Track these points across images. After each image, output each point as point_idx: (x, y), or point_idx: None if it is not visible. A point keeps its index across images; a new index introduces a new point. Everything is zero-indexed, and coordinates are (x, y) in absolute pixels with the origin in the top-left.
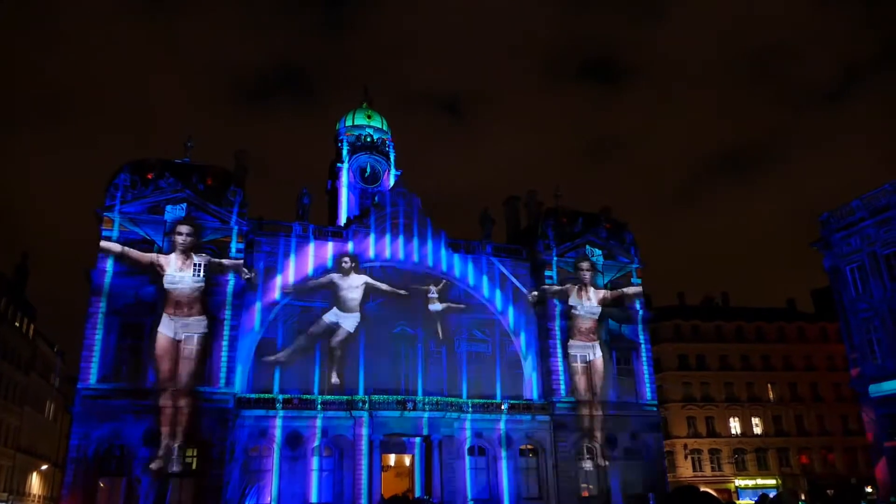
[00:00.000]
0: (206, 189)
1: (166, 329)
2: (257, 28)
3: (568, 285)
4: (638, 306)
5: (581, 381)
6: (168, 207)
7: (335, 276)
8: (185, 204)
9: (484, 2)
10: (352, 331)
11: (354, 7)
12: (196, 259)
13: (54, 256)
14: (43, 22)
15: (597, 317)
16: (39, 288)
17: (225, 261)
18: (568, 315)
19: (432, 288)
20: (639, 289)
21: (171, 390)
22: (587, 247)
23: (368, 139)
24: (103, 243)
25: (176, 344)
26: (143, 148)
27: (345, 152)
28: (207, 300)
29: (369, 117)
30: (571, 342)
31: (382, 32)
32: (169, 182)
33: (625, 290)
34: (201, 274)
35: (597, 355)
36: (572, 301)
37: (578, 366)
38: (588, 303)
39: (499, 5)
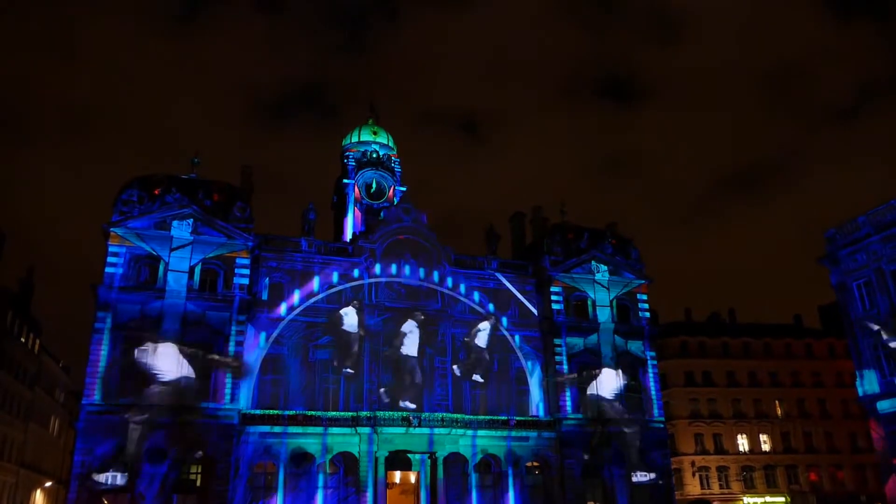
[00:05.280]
0: (212, 205)
1: (171, 345)
2: (280, 48)
3: (574, 301)
4: (644, 322)
5: (587, 398)
6: (174, 223)
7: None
8: (192, 220)
9: (503, 22)
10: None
11: (375, 28)
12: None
13: (62, 271)
14: (66, 40)
15: (602, 333)
16: (46, 303)
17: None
18: (574, 331)
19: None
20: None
21: (176, 406)
22: (593, 262)
23: (374, 155)
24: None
25: (181, 360)
26: (161, 165)
27: (351, 168)
28: (212, 316)
29: (375, 133)
30: (577, 359)
31: (402, 52)
32: (175, 198)
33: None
34: (206, 291)
35: (603, 372)
36: (578, 317)
37: (585, 382)
38: (593, 319)
39: (518, 25)
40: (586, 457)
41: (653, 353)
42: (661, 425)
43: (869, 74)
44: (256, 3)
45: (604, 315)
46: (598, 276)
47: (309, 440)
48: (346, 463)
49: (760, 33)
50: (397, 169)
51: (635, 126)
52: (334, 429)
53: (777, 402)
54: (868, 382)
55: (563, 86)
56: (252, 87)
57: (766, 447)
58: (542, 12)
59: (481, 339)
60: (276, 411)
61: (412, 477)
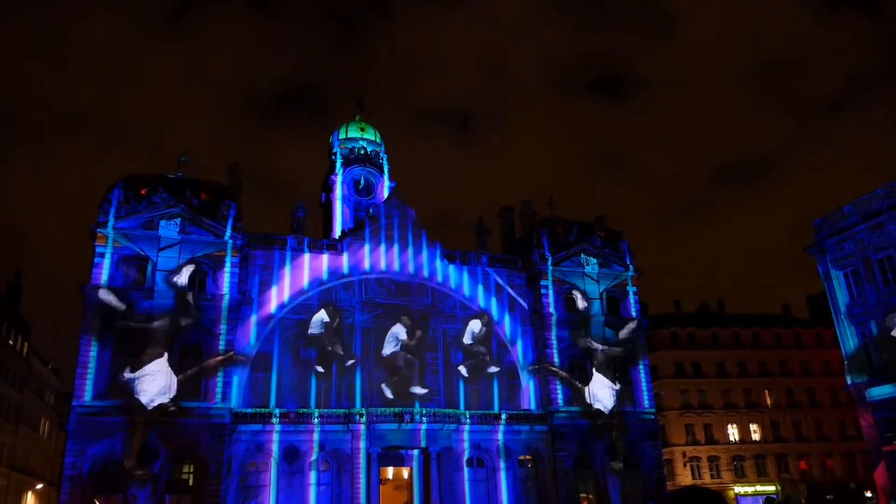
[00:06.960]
0: (200, 204)
1: (161, 345)
2: (273, 47)
3: (564, 294)
4: (634, 314)
5: (579, 391)
6: (162, 223)
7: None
8: (179, 219)
9: (496, 19)
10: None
11: (370, 26)
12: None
13: (52, 272)
14: (59, 40)
15: (592, 326)
16: (36, 304)
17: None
18: (564, 324)
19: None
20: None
21: (167, 406)
22: (582, 255)
23: (362, 151)
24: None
25: (172, 359)
26: (153, 165)
27: (338, 164)
28: (202, 315)
29: (362, 129)
30: (568, 352)
31: (396, 50)
32: (163, 197)
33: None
34: (195, 290)
35: (594, 364)
36: (568, 310)
37: (576, 375)
38: (584, 312)
39: (510, 22)
40: (578, 449)
41: (643, 345)
42: (652, 416)
43: (859, 66)
44: (248, 1)
45: (594, 308)
46: (587, 269)
47: (301, 437)
48: (338, 460)
49: (751, 27)
50: (385, 165)
51: (626, 121)
52: (327, 426)
53: (766, 391)
54: (856, 371)
55: (555, 82)
56: (245, 86)
57: (756, 437)
58: (535, 9)
59: (473, 336)
60: (267, 409)
61: (405, 473)
